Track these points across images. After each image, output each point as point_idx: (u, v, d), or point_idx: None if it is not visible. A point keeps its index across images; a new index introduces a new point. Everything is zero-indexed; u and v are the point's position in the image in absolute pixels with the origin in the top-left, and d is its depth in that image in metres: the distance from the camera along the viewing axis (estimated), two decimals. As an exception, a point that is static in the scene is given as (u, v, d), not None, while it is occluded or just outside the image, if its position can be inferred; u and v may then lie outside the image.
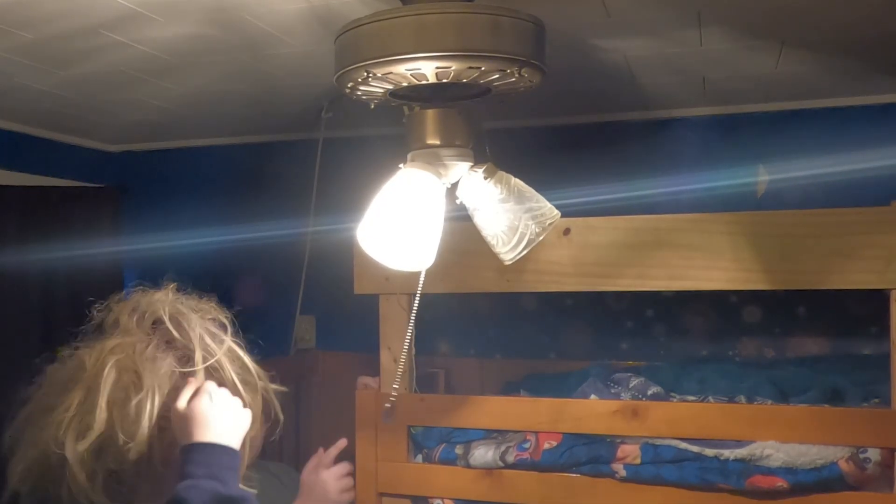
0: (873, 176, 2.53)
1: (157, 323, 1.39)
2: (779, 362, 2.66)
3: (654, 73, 2.44)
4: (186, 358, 1.36)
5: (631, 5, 1.87)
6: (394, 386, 2.16)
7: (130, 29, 1.95)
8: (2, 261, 2.95)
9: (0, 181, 3.01)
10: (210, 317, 1.44)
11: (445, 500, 2.29)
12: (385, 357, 2.33)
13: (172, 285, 1.46)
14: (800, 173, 2.63)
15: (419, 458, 2.34)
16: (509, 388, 2.75)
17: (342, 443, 2.25)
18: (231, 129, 3.26)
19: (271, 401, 1.47)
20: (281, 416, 1.49)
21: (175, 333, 1.37)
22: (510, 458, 2.21)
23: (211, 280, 3.41)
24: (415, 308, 2.06)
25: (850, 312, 2.66)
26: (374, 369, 2.37)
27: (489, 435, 2.31)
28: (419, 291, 1.99)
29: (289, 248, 3.08)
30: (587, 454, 2.16)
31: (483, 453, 2.24)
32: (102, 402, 1.26)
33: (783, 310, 2.74)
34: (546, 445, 2.19)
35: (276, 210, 3.17)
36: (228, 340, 1.42)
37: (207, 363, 1.35)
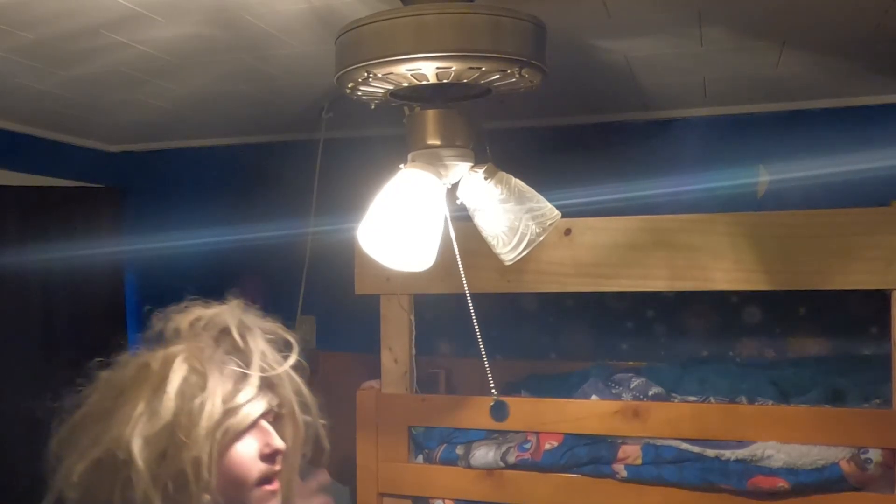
0: (874, 176, 2.53)
1: (223, 333, 1.36)
2: (780, 363, 2.66)
3: (655, 73, 2.44)
4: (247, 367, 1.34)
5: (631, 6, 1.87)
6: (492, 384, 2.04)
7: (131, 29, 1.95)
8: (2, 261, 2.95)
9: (0, 181, 3.01)
10: (272, 335, 1.41)
11: (446, 501, 2.29)
12: (386, 357, 2.33)
13: (237, 300, 1.42)
14: (800, 174, 2.63)
15: (420, 458, 2.34)
16: (510, 389, 2.75)
17: (324, 478, 2.25)
18: (232, 129, 3.26)
19: (319, 430, 1.44)
20: (327, 446, 1.47)
21: (240, 343, 1.34)
22: (511, 459, 2.21)
23: (211, 280, 3.43)
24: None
25: (851, 313, 2.65)
26: (374, 370, 2.37)
27: (490, 435, 2.31)
28: (466, 291, 1.97)
29: (289, 249, 3.08)
30: (588, 455, 2.16)
31: (484, 454, 2.24)
32: (170, 398, 1.23)
33: (784, 310, 2.74)
34: (547, 446, 2.19)
35: (276, 210, 3.17)
36: (291, 359, 1.39)
37: (266, 374, 1.33)
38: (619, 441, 2.14)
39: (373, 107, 1.69)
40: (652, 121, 2.96)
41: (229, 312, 1.37)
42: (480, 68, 1.47)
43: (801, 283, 2.07)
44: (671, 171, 2.78)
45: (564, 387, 2.48)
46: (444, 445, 2.30)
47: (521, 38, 1.49)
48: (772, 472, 2.00)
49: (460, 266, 1.82)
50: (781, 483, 1.99)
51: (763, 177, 2.77)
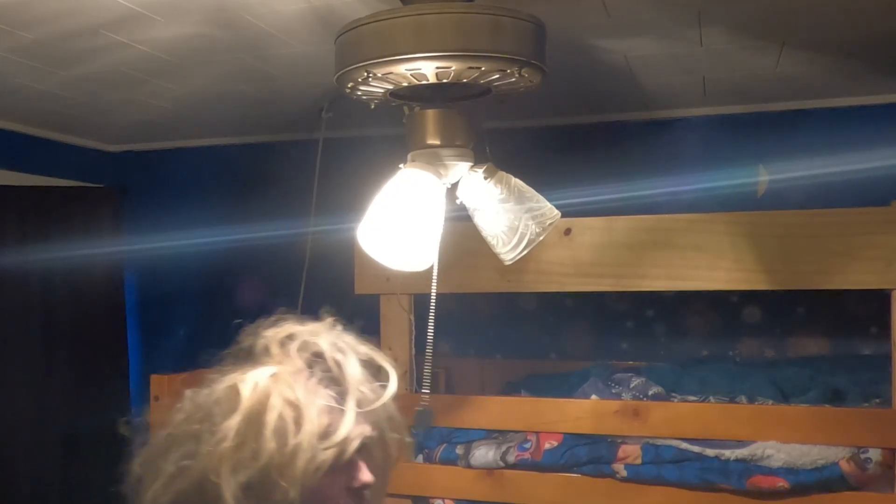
0: (874, 176, 2.53)
1: (317, 356, 1.25)
2: (779, 362, 2.66)
3: (655, 73, 2.44)
4: (342, 399, 1.23)
5: (631, 5, 1.87)
6: (423, 390, 1.99)
7: (131, 29, 1.95)
8: (2, 261, 2.95)
9: (0, 181, 3.01)
10: (367, 359, 1.29)
11: (446, 501, 2.29)
12: (385, 357, 2.32)
13: (331, 318, 1.32)
14: (800, 173, 2.63)
15: (420, 458, 2.34)
16: (510, 389, 2.75)
17: None
18: (231, 129, 3.26)
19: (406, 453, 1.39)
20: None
21: (335, 371, 1.24)
22: (511, 459, 2.22)
23: (211, 280, 3.44)
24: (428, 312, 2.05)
25: (851, 312, 2.66)
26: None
27: (490, 435, 2.31)
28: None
29: (289, 249, 3.07)
30: (588, 454, 2.16)
31: (484, 453, 2.24)
32: (267, 440, 1.13)
33: (784, 310, 2.74)
34: (547, 445, 2.19)
35: (276, 210, 3.17)
36: (389, 391, 1.28)
37: (363, 409, 1.22)
38: (619, 441, 2.14)
39: (372, 106, 1.69)
40: (652, 120, 2.96)
41: (325, 334, 1.27)
42: (480, 68, 1.47)
43: (801, 283, 2.07)
44: (671, 171, 2.78)
45: (564, 386, 2.48)
46: (444, 445, 2.30)
47: (521, 38, 1.49)
48: (771, 471, 2.00)
49: (435, 268, 1.81)
50: (781, 483, 1.99)
51: (763, 176, 2.77)
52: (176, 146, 3.49)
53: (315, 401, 1.18)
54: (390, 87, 1.56)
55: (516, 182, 1.76)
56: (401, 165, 1.68)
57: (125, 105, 2.76)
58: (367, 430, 1.24)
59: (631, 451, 2.12)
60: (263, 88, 2.57)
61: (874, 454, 1.97)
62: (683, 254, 2.10)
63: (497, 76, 1.51)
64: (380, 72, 1.49)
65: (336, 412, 1.20)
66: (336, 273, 2.49)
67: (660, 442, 2.11)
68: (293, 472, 1.13)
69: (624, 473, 2.12)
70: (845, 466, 1.97)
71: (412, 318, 2.33)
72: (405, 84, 1.53)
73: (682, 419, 2.10)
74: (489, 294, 2.82)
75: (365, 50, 1.48)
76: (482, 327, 3.07)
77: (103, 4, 1.78)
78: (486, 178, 1.71)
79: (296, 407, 1.16)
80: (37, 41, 2.02)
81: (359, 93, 1.61)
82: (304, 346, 1.24)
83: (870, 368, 2.38)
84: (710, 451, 2.06)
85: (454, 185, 1.72)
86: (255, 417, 1.14)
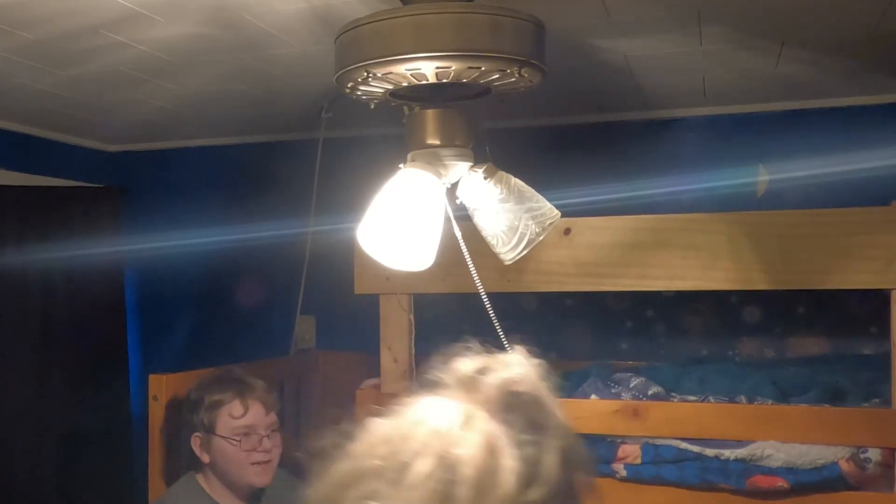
0: (873, 176, 2.53)
1: (515, 399, 1.05)
2: (779, 362, 2.66)
3: (654, 72, 2.44)
4: (534, 458, 1.01)
5: (631, 5, 1.87)
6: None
7: (131, 29, 1.95)
8: (2, 261, 2.95)
9: (0, 181, 3.01)
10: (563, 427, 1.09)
11: (446, 501, 2.28)
12: (385, 357, 2.33)
13: (536, 360, 1.12)
14: (800, 173, 2.62)
15: (419, 458, 2.34)
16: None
17: None
18: (231, 128, 3.26)
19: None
20: None
21: (534, 420, 1.04)
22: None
23: (211, 280, 3.44)
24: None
25: (851, 312, 2.66)
26: (374, 369, 2.37)
27: (489, 435, 2.31)
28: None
29: (289, 248, 3.08)
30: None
31: (483, 453, 2.23)
32: (460, 484, 0.96)
33: (783, 310, 2.74)
34: (546, 445, 2.19)
35: (276, 210, 3.17)
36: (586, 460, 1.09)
37: (555, 489, 1.00)
38: (619, 440, 2.14)
39: (372, 106, 1.69)
40: (651, 120, 2.96)
41: (527, 377, 1.09)
42: (480, 68, 1.47)
43: (801, 283, 2.07)
44: (671, 171, 2.78)
45: (564, 386, 2.48)
46: (444, 445, 2.30)
47: (521, 38, 1.49)
48: (771, 471, 2.00)
49: (470, 265, 1.81)
50: (781, 482, 1.99)
51: (763, 176, 2.77)
52: (176, 146, 3.49)
53: (513, 453, 0.98)
54: (390, 86, 1.56)
55: (516, 182, 1.76)
56: (401, 165, 1.68)
57: (125, 105, 2.76)
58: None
59: (630, 451, 2.12)
60: (263, 88, 2.57)
61: (874, 454, 1.97)
62: (683, 254, 2.10)
63: (497, 76, 1.51)
64: (380, 72, 1.49)
65: (536, 460, 1.00)
66: (336, 273, 2.49)
67: (659, 442, 2.10)
68: None
69: (623, 473, 2.12)
70: (845, 466, 1.97)
71: (412, 317, 2.33)
72: (405, 84, 1.53)
73: (682, 419, 2.10)
74: (489, 293, 2.81)
75: (365, 50, 1.48)
76: (482, 327, 3.07)
77: (103, 4, 1.78)
78: (485, 178, 1.71)
79: (494, 455, 0.98)
80: (37, 41, 2.02)
81: (359, 93, 1.61)
82: (500, 386, 1.05)
83: (869, 368, 2.38)
84: (709, 451, 2.06)
85: (454, 185, 1.72)
86: (450, 462, 0.97)
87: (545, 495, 0.98)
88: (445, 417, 1.01)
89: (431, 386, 1.08)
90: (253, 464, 2.21)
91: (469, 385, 1.05)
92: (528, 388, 1.06)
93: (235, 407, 2.22)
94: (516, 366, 1.08)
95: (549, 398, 1.07)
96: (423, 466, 0.96)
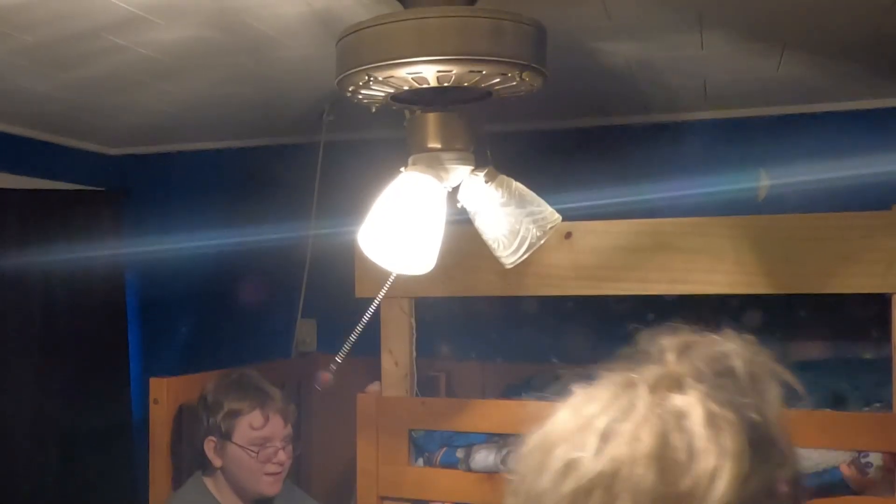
0: (874, 180, 2.53)
1: (727, 372, 0.96)
2: (780, 366, 2.65)
3: (656, 76, 2.44)
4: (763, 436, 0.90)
5: (632, 8, 1.87)
6: (340, 354, 1.98)
7: (132, 32, 1.95)
8: (3, 264, 2.95)
9: (1, 184, 3.01)
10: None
11: (446, 504, 2.28)
12: (386, 360, 2.33)
13: (748, 336, 1.00)
14: (801, 177, 2.62)
15: (420, 461, 2.34)
16: (511, 392, 2.74)
17: None
18: (232, 132, 3.26)
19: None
20: None
21: (751, 394, 0.94)
22: (512, 462, 2.21)
23: (212, 284, 3.44)
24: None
25: (852, 316, 2.65)
26: (375, 372, 2.36)
27: (490, 439, 2.31)
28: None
29: (290, 252, 3.08)
30: (588, 458, 2.15)
31: (484, 457, 2.24)
32: (684, 436, 0.87)
33: (784, 313, 2.73)
34: (547, 449, 2.19)
35: (277, 213, 3.17)
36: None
37: (794, 473, 0.91)
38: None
39: (373, 110, 1.69)
40: (652, 124, 2.96)
41: (737, 347, 0.99)
42: (481, 72, 1.47)
43: (802, 287, 2.07)
44: (672, 175, 2.78)
45: (565, 389, 2.47)
46: (445, 449, 2.30)
47: (522, 42, 1.49)
48: (772, 475, 2.00)
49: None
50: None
51: (764, 180, 2.76)
52: (177, 149, 3.49)
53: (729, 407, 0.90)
54: (391, 90, 1.56)
55: (517, 185, 1.76)
56: (402, 169, 1.68)
57: (126, 108, 2.76)
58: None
59: (632, 455, 2.12)
60: (264, 91, 2.57)
61: (875, 458, 1.96)
62: (684, 257, 2.10)
63: (498, 80, 1.51)
64: (381, 75, 1.49)
65: (757, 423, 0.91)
66: (337, 276, 2.49)
67: (660, 446, 2.10)
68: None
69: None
70: (846, 470, 1.97)
71: (413, 321, 2.33)
72: (406, 88, 1.54)
73: (683, 423, 2.10)
74: (490, 297, 2.81)
75: (366, 53, 1.48)
76: (483, 330, 3.07)
77: (104, 7, 1.78)
78: (486, 182, 1.71)
79: (709, 407, 0.88)
80: (38, 44, 2.02)
81: (360, 96, 1.61)
82: (710, 358, 0.96)
83: (871, 372, 2.37)
84: (710, 455, 2.05)
85: (455, 189, 1.72)
86: (664, 414, 0.89)
87: (788, 476, 0.89)
88: (653, 379, 0.93)
89: (637, 358, 1.01)
90: (266, 474, 2.21)
91: (674, 358, 0.98)
92: (740, 362, 0.96)
93: (256, 418, 2.21)
94: (727, 342, 0.99)
95: (772, 381, 0.98)
96: (635, 420, 0.89)
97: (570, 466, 0.90)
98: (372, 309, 1.89)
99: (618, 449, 0.87)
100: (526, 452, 0.98)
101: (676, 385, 0.91)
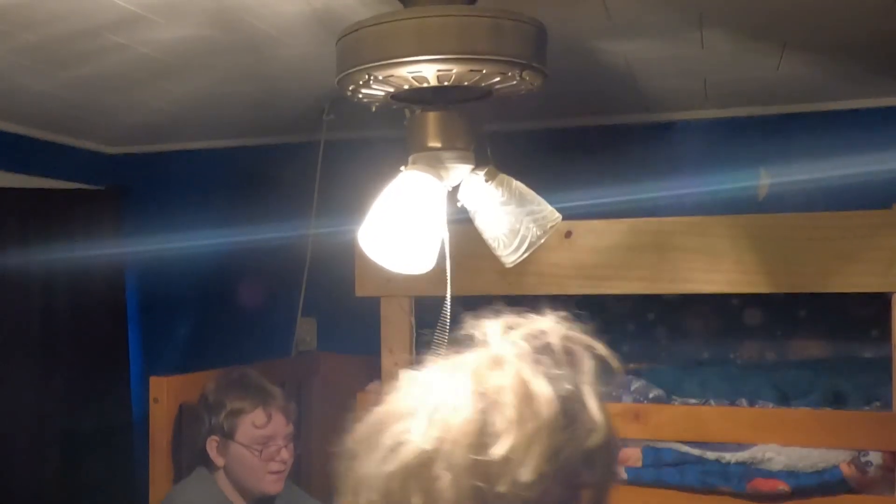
0: (875, 179, 2.53)
1: (545, 348, 1.04)
2: (780, 365, 2.66)
3: (656, 75, 2.44)
4: (576, 405, 1.00)
5: (632, 7, 1.87)
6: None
7: (131, 31, 1.95)
8: (3, 263, 2.95)
9: (0, 183, 3.01)
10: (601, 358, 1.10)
11: (446, 503, 2.28)
12: (386, 359, 2.32)
13: (560, 313, 1.10)
14: (801, 176, 2.62)
15: (420, 461, 2.34)
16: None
17: None
18: (232, 131, 3.26)
19: None
20: None
21: (566, 364, 1.04)
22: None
23: (212, 282, 3.44)
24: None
25: (852, 315, 2.65)
26: (375, 371, 2.36)
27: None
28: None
29: (290, 250, 3.08)
30: (588, 457, 2.15)
31: (484, 456, 2.23)
32: (501, 410, 0.95)
33: (784, 312, 2.73)
34: (547, 448, 2.19)
35: (277, 212, 3.17)
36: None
37: (605, 438, 0.99)
38: (620, 443, 2.14)
39: (374, 109, 1.69)
40: (653, 123, 2.96)
41: (553, 326, 1.08)
42: (481, 71, 1.47)
43: (802, 286, 2.07)
44: (672, 174, 2.78)
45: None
46: (445, 448, 2.30)
47: (522, 41, 1.49)
48: (772, 474, 2.00)
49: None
50: (781, 486, 1.99)
51: (764, 180, 2.76)
52: (177, 148, 3.49)
53: (551, 387, 0.97)
54: (391, 89, 1.56)
55: (517, 185, 1.76)
56: (402, 168, 1.68)
57: (126, 107, 2.76)
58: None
59: (631, 454, 2.12)
60: (264, 90, 2.57)
61: (875, 457, 1.97)
62: (685, 257, 2.10)
63: (498, 79, 1.51)
64: (381, 74, 1.49)
65: (574, 397, 0.99)
66: (337, 275, 2.49)
67: (660, 445, 2.10)
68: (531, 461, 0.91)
69: (624, 476, 2.12)
70: (846, 469, 1.97)
71: (413, 320, 2.33)
72: (406, 87, 1.53)
73: (683, 422, 2.10)
74: (490, 296, 2.81)
75: (366, 52, 1.48)
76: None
77: (104, 6, 1.78)
78: (487, 181, 1.71)
79: (526, 382, 0.96)
80: (38, 42, 2.02)
81: (360, 95, 1.61)
82: (529, 336, 1.04)
83: (871, 371, 2.38)
84: (710, 454, 2.05)
85: (455, 188, 1.72)
86: (483, 392, 0.96)
87: (600, 441, 0.96)
88: (476, 361, 1.00)
89: (461, 342, 1.07)
90: (270, 473, 2.21)
91: (498, 339, 1.04)
92: (556, 338, 1.05)
93: (258, 416, 2.21)
94: (546, 321, 1.08)
95: (584, 353, 1.07)
96: (457, 400, 0.95)
97: (397, 446, 0.96)
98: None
99: (440, 429, 0.94)
100: (359, 434, 1.04)
101: (497, 364, 0.98)
